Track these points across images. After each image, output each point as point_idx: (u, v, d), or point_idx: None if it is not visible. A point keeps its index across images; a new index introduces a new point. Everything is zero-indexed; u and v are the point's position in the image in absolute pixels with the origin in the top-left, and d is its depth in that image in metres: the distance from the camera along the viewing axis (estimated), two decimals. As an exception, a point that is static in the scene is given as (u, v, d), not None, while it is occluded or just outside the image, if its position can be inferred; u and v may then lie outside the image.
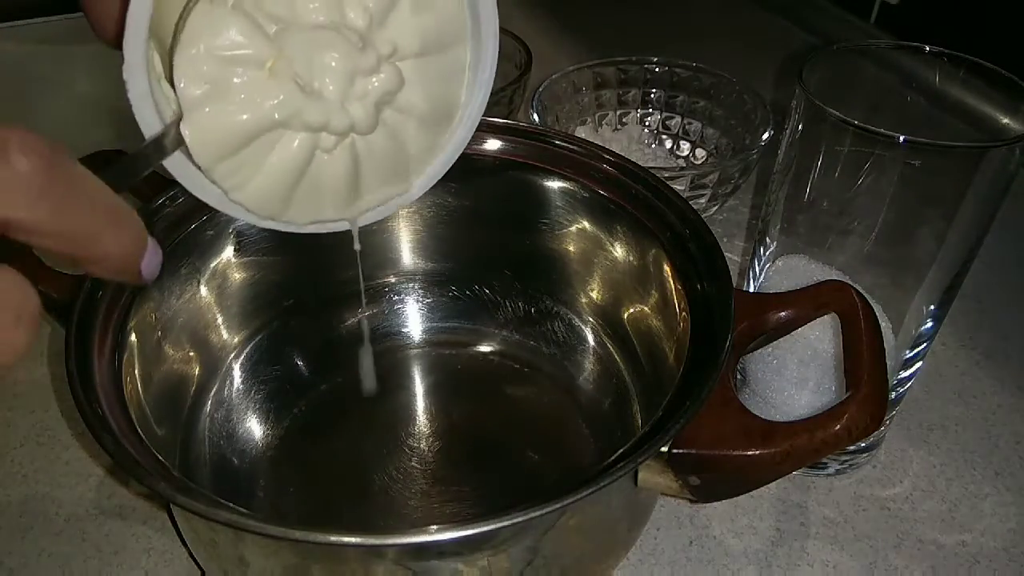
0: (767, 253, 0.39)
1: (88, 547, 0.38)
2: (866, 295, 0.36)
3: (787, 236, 0.38)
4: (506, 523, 0.24)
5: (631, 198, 0.38)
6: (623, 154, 0.59)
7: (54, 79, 0.76)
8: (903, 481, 0.41)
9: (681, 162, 0.62)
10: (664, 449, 0.27)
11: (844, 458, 0.41)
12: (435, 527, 0.24)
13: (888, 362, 0.37)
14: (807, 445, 0.27)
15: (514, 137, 0.41)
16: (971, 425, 0.44)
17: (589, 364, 0.43)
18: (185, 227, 0.37)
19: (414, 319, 0.46)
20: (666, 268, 0.36)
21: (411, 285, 0.46)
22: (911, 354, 0.38)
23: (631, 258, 0.39)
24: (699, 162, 0.61)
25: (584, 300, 0.43)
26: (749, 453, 0.27)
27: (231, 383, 0.40)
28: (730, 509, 0.39)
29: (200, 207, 0.37)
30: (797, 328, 0.33)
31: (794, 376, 0.38)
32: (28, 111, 0.72)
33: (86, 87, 0.75)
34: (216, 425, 0.38)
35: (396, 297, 0.46)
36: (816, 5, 0.81)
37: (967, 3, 0.66)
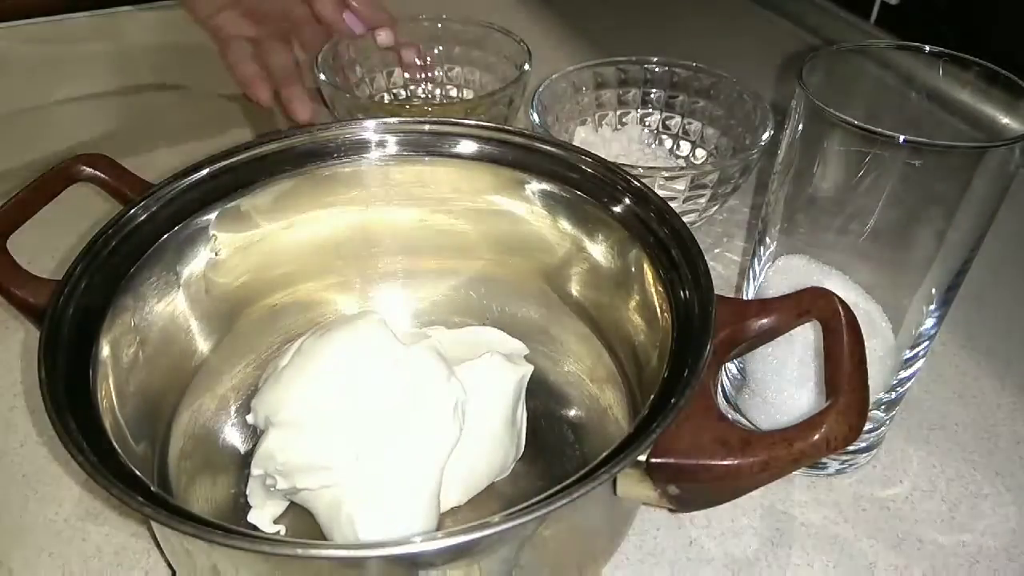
0: (767, 253, 0.39)
1: (89, 547, 0.38)
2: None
3: (787, 236, 0.38)
4: (480, 535, 0.24)
5: (613, 201, 0.38)
6: (623, 154, 0.60)
7: (55, 79, 0.77)
8: (903, 481, 0.41)
9: (681, 162, 0.62)
10: (642, 458, 0.27)
11: (844, 458, 0.41)
12: (404, 538, 0.24)
13: (888, 362, 0.38)
14: (785, 455, 0.26)
15: (494, 139, 0.41)
16: (971, 425, 0.44)
17: (572, 369, 0.42)
18: (162, 233, 0.37)
19: (400, 318, 0.45)
20: (647, 273, 0.36)
21: (394, 286, 0.45)
22: (911, 354, 0.38)
23: (612, 262, 0.39)
24: (699, 162, 0.61)
25: (566, 305, 0.42)
26: (727, 463, 0.27)
27: (210, 391, 0.40)
28: (730, 509, 0.39)
29: (175, 212, 0.37)
30: (779, 336, 0.33)
31: (794, 376, 0.38)
32: (29, 111, 0.72)
33: (86, 87, 0.75)
34: (195, 434, 0.38)
35: (380, 300, 0.45)
36: (816, 5, 0.81)
37: (967, 3, 0.66)
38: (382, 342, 0.35)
